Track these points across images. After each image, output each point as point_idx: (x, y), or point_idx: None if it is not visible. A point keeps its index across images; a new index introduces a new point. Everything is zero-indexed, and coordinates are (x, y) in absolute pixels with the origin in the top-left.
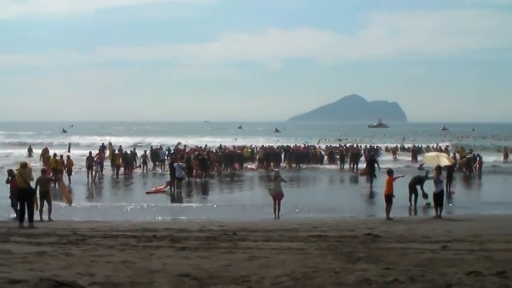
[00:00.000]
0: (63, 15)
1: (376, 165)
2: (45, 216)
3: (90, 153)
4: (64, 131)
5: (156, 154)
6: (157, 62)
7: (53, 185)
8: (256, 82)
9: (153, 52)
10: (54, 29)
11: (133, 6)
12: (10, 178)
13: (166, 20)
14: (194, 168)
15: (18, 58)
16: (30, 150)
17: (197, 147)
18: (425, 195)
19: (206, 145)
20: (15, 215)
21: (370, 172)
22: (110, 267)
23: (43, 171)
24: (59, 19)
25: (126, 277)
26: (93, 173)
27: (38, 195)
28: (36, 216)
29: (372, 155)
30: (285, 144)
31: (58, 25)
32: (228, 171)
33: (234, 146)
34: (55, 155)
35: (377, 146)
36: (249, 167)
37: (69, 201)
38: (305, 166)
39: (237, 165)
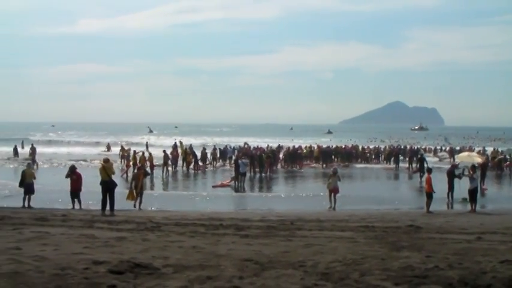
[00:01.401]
0: (140, 30)
1: (425, 163)
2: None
3: (165, 151)
4: (150, 131)
5: (224, 152)
6: (224, 71)
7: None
8: (310, 89)
9: (221, 62)
10: (132, 42)
11: (203, 22)
12: (70, 173)
13: (233, 34)
14: (266, 165)
15: (99, 67)
16: (108, 147)
17: (258, 146)
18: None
19: (268, 145)
20: (72, 206)
21: (420, 169)
22: (181, 252)
23: (139, 168)
24: (136, 33)
25: (196, 260)
26: (168, 168)
27: (132, 187)
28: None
29: (422, 155)
30: (333, 145)
31: (136, 39)
32: (291, 167)
33: (294, 146)
34: (135, 152)
35: (423, 148)
36: (305, 164)
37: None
38: (354, 165)
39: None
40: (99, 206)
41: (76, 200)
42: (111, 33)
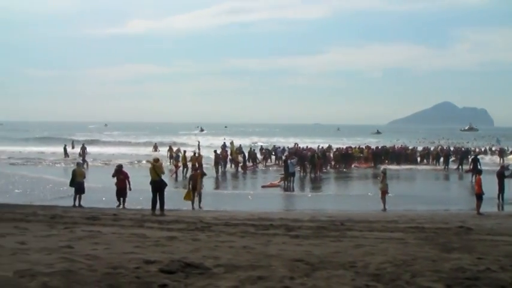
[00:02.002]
0: (189, 30)
1: (478, 164)
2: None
3: (216, 151)
4: (202, 130)
5: (271, 152)
6: (274, 71)
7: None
8: (358, 90)
9: (270, 62)
10: (181, 42)
11: (252, 22)
12: (116, 172)
13: (281, 34)
14: (317, 165)
15: (147, 67)
16: (155, 147)
17: (307, 147)
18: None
19: (319, 145)
20: (117, 205)
21: (473, 170)
22: (232, 252)
23: (196, 169)
24: (183, 34)
25: (246, 260)
26: (219, 168)
27: (190, 188)
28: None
29: (476, 155)
30: (381, 145)
31: (184, 39)
32: (341, 168)
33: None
34: (185, 152)
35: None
36: (355, 164)
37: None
38: (403, 166)
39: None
40: (148, 206)
41: (121, 199)
42: (160, 34)
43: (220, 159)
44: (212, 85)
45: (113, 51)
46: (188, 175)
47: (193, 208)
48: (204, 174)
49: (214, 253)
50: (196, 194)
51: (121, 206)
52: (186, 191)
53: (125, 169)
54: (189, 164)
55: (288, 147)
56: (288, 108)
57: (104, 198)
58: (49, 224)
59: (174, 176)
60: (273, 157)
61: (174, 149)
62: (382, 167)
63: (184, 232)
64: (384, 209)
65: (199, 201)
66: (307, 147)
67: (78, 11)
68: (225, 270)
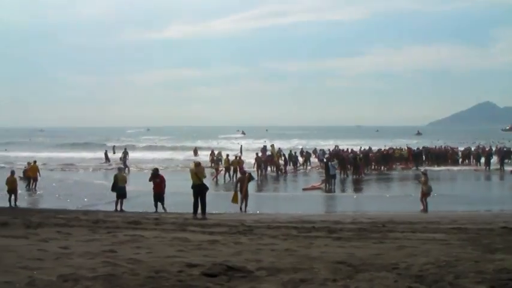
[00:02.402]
0: (228, 34)
1: None
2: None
3: (257, 154)
4: (243, 133)
5: (314, 155)
6: (313, 74)
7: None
8: (397, 91)
9: (309, 65)
10: (218, 46)
11: (291, 25)
12: (153, 176)
13: (320, 37)
14: (360, 167)
15: (187, 72)
16: (195, 152)
17: (348, 149)
18: None
19: (361, 147)
20: (155, 210)
21: None
22: (274, 255)
23: (243, 173)
24: (222, 38)
25: (289, 263)
26: (262, 171)
27: (237, 191)
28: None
29: None
30: (421, 146)
31: (222, 43)
32: (383, 169)
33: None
34: (228, 155)
35: None
36: (397, 166)
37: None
38: (445, 166)
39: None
40: (189, 209)
41: (160, 203)
42: (200, 38)
43: (262, 162)
44: (252, 88)
45: (152, 56)
46: (230, 178)
47: (240, 210)
48: (252, 178)
49: (257, 256)
50: (242, 196)
51: (158, 210)
52: (233, 193)
53: (162, 173)
54: (231, 168)
55: (329, 149)
56: (328, 110)
57: (145, 203)
58: (91, 229)
59: (215, 179)
60: (314, 159)
61: (216, 152)
62: (423, 168)
63: (226, 235)
64: (425, 210)
65: (246, 205)
66: (347, 149)
67: (117, 17)
68: (267, 273)
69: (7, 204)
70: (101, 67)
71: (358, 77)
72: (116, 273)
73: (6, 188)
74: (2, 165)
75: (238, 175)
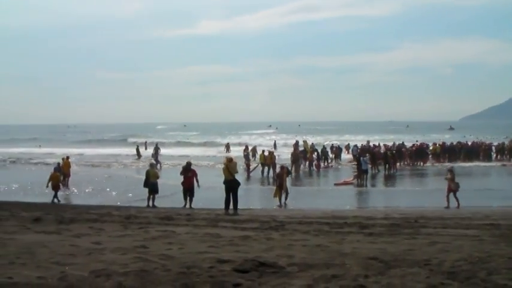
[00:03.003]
0: (259, 30)
1: None
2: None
3: (295, 149)
4: (276, 128)
5: (346, 150)
6: (344, 69)
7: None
8: (429, 86)
9: (340, 60)
10: (251, 42)
11: (321, 20)
12: (185, 170)
13: (351, 32)
14: (393, 162)
15: (222, 68)
16: (227, 147)
17: (379, 144)
18: None
19: (394, 142)
20: (184, 204)
21: None
22: (306, 250)
23: (282, 168)
24: (255, 33)
25: (320, 259)
26: (297, 167)
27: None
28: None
29: None
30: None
31: (254, 39)
32: (416, 165)
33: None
34: (263, 151)
35: None
36: (430, 161)
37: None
38: (477, 162)
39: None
40: (221, 205)
41: (188, 198)
42: (230, 34)
43: (298, 158)
44: (284, 84)
45: (183, 52)
46: (265, 174)
47: (280, 205)
48: (290, 172)
49: (288, 252)
50: (282, 191)
51: (187, 205)
52: (274, 189)
53: (194, 167)
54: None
55: (361, 144)
56: (360, 105)
57: (176, 199)
58: (123, 224)
59: (248, 175)
60: (346, 155)
61: (250, 148)
62: (450, 165)
63: (258, 231)
64: (448, 207)
65: (285, 199)
66: (378, 144)
67: (147, 13)
68: (298, 269)
69: (42, 200)
70: (131, 63)
71: (390, 72)
72: (148, 269)
73: (49, 184)
74: (36, 161)
75: (277, 170)
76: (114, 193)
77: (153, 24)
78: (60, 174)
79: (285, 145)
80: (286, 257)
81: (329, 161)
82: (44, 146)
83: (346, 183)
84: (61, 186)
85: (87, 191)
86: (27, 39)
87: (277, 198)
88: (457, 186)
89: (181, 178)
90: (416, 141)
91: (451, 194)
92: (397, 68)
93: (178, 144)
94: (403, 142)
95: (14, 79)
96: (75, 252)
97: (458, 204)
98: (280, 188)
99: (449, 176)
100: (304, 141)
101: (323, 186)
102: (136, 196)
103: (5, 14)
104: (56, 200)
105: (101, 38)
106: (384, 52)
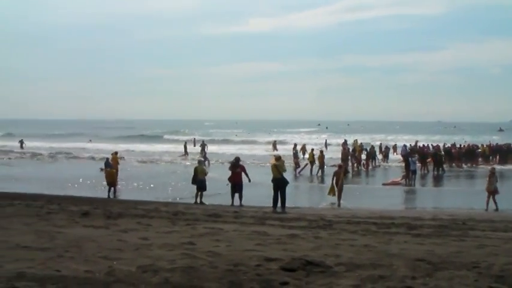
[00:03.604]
0: (308, 28)
1: None
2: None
3: (344, 147)
4: (326, 128)
5: (393, 149)
6: (393, 68)
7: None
8: (478, 86)
9: (389, 59)
10: (300, 40)
11: (370, 19)
12: (233, 165)
13: (400, 31)
14: (441, 163)
15: (271, 65)
16: (274, 145)
17: (427, 145)
18: None
19: (445, 143)
20: (231, 202)
21: None
22: (353, 250)
23: (339, 166)
24: (304, 32)
25: (367, 259)
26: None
27: (334, 183)
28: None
29: None
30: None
31: (304, 37)
32: (465, 166)
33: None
34: (312, 150)
35: None
36: (480, 162)
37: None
38: None
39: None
40: (268, 203)
41: (237, 196)
42: (280, 32)
43: (349, 157)
44: (332, 82)
45: (232, 49)
46: (314, 173)
47: (335, 203)
48: (347, 171)
49: (336, 251)
50: (338, 190)
51: (235, 203)
52: (329, 187)
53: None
54: (316, 162)
55: (410, 144)
56: (407, 105)
57: (224, 196)
58: (171, 221)
59: (298, 173)
60: (394, 156)
61: (299, 147)
62: (492, 166)
63: (306, 230)
64: (496, 209)
65: (339, 198)
66: (427, 144)
67: (198, 10)
68: (346, 269)
69: (90, 194)
70: (181, 60)
71: (439, 72)
72: (195, 266)
73: (105, 180)
74: (86, 155)
75: (336, 169)
76: (161, 189)
77: (205, 21)
78: (104, 170)
79: (334, 144)
80: (334, 257)
81: (377, 160)
82: (94, 141)
83: (394, 184)
84: (116, 183)
85: (134, 186)
86: (77, 36)
87: (334, 197)
88: (493, 188)
89: (229, 174)
90: (465, 142)
91: (492, 196)
92: (446, 67)
93: (226, 141)
94: (454, 143)
95: (69, 75)
96: (123, 247)
97: (496, 207)
98: (336, 187)
99: (489, 176)
100: (355, 141)
101: (371, 185)
102: (183, 193)
103: (54, 11)
104: (111, 195)
105: (151, 34)
106: (432, 51)
